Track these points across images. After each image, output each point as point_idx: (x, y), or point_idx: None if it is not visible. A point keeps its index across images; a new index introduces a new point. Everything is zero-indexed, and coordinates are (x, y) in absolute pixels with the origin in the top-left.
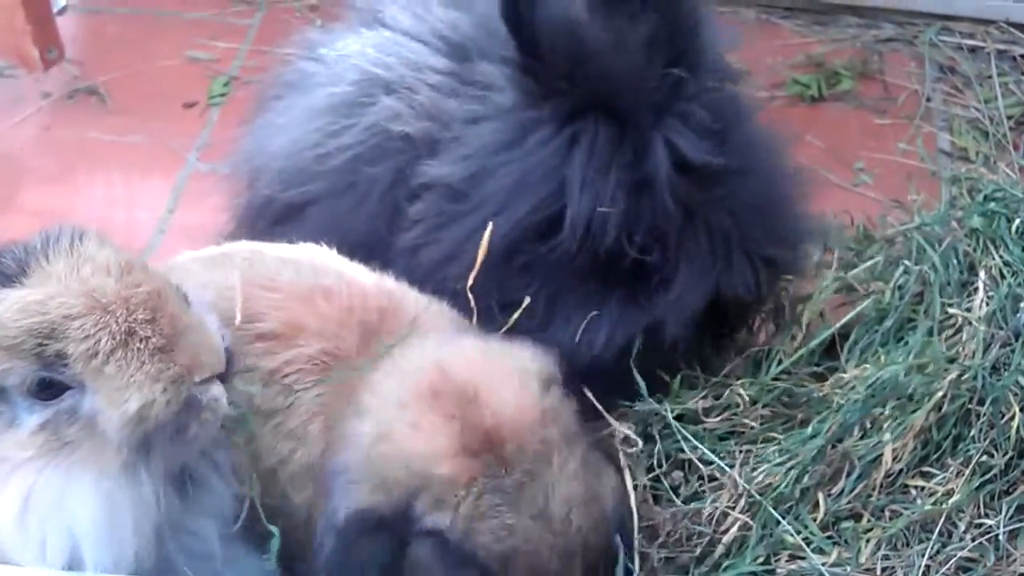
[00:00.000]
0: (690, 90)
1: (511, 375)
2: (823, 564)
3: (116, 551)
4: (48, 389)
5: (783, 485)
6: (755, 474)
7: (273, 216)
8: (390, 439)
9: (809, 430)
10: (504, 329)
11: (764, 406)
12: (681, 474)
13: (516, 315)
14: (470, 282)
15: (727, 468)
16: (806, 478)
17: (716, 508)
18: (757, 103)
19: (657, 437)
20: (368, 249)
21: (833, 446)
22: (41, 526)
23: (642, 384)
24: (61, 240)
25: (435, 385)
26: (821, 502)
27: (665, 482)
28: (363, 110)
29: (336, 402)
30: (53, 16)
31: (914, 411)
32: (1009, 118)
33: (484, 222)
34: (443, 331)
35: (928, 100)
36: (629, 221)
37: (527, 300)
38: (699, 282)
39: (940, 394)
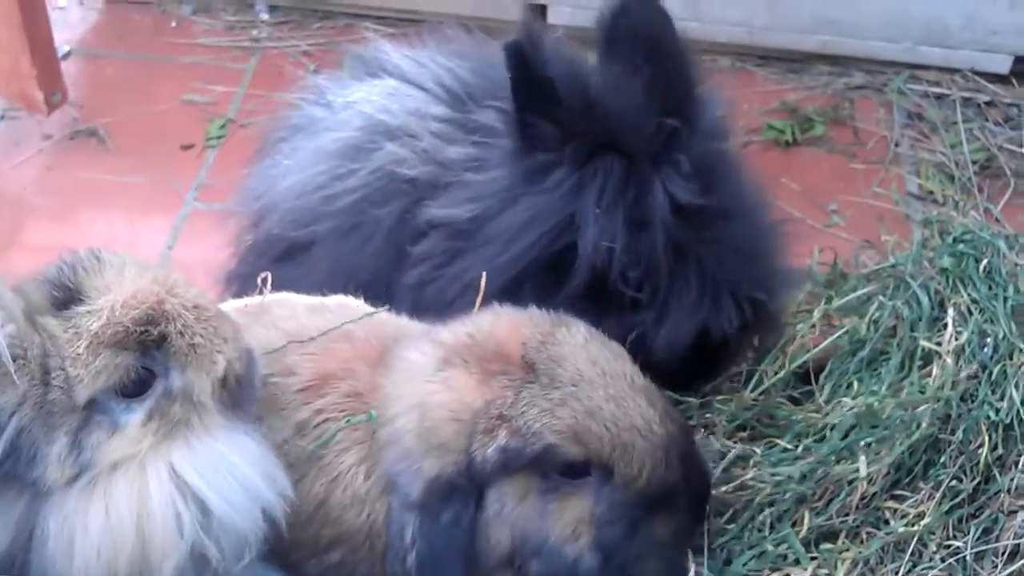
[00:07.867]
0: (683, 141)
1: (500, 317)
2: None
3: (282, 495)
4: (142, 383)
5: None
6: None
7: (277, 253)
8: (428, 413)
9: (797, 451)
10: None
11: (741, 427)
12: None
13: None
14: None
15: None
16: (788, 495)
17: None
18: (741, 157)
19: None
20: (373, 287)
21: (814, 469)
22: (223, 500)
23: None
24: (86, 259)
25: (442, 355)
26: (806, 518)
27: None
28: (368, 154)
29: (364, 430)
30: (58, 61)
31: (890, 439)
32: (974, 162)
33: (490, 259)
34: None
35: (897, 145)
36: (628, 258)
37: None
38: (688, 319)
39: (917, 423)
